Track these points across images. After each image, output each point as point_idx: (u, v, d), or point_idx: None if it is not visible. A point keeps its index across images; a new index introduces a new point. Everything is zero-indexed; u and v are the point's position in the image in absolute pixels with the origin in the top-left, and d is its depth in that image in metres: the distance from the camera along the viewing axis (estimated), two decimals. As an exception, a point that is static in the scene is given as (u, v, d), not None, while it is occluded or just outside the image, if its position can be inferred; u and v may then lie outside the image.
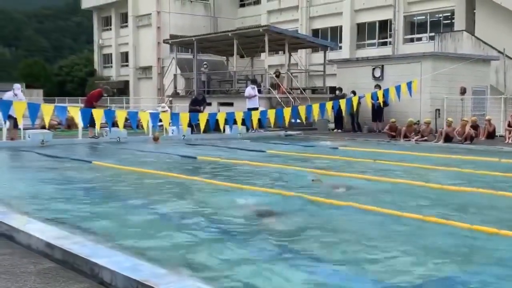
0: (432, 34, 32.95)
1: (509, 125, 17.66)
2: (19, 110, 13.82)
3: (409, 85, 17.74)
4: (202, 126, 17.13)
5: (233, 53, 28.20)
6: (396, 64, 22.10)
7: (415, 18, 35.64)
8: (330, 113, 19.63)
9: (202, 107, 21.09)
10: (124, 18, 50.43)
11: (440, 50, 28.91)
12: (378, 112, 21.30)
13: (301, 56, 37.83)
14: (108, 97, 26.51)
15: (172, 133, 18.41)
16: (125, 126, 15.93)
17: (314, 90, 29.26)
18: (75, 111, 14.83)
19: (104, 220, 6.08)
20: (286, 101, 24.90)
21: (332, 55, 33.05)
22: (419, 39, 35.12)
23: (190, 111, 19.55)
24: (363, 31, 38.07)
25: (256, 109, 19.62)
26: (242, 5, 47.59)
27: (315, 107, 17.25)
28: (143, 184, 8.90)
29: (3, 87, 25.62)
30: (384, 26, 36.81)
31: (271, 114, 16.85)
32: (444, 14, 34.31)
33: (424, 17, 35.10)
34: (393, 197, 7.69)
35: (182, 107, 25.54)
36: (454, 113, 20.05)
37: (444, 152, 13.99)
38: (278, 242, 5.22)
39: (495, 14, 29.48)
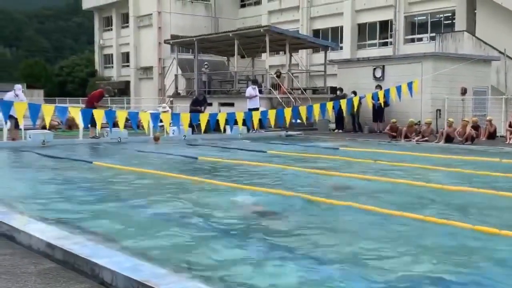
0: (433, 34, 32.95)
1: (510, 126, 17.65)
2: (20, 110, 13.82)
3: (410, 85, 17.74)
4: (203, 127, 17.13)
5: (234, 53, 28.20)
6: (397, 65, 22.09)
7: (415, 18, 35.63)
8: (330, 114, 19.63)
9: (203, 108, 21.10)
10: (125, 18, 50.46)
11: (441, 50, 28.91)
12: (379, 112, 21.30)
13: (302, 56, 37.84)
14: (109, 98, 26.53)
15: (173, 133, 18.42)
16: (125, 127, 15.94)
17: (315, 91, 29.25)
18: (75, 112, 14.84)
19: (105, 220, 6.09)
20: (286, 101, 24.90)
21: (332, 55, 33.08)
22: (420, 39, 35.11)
23: (191, 111, 19.56)
24: (364, 32, 38.07)
25: (257, 109, 19.62)
26: (243, 6, 47.61)
27: (316, 108, 17.25)
28: (143, 185, 8.90)
29: (4, 88, 25.64)
30: (385, 26, 36.82)
31: (272, 114, 16.85)
32: (445, 15, 34.31)
33: (424, 17, 35.10)
34: (394, 197, 7.69)
35: (183, 108, 25.55)
36: (455, 113, 20.05)
37: (445, 153, 13.99)
38: (278, 242, 5.22)
39: (496, 15, 29.47)
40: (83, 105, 21.35)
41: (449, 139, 17.13)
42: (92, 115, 14.40)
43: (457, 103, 20.71)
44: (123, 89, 48.03)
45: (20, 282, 4.00)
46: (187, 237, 5.44)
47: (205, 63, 29.90)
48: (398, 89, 17.80)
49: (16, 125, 15.94)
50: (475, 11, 31.47)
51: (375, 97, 18.97)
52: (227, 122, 16.65)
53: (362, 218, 6.27)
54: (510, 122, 17.75)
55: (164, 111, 20.44)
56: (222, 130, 17.26)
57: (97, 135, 17.24)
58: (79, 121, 15.35)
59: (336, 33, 39.00)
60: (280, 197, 7.62)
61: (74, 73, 59.12)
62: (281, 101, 24.79)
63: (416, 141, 17.50)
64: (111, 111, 16.28)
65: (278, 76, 27.14)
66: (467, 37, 29.38)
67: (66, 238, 4.83)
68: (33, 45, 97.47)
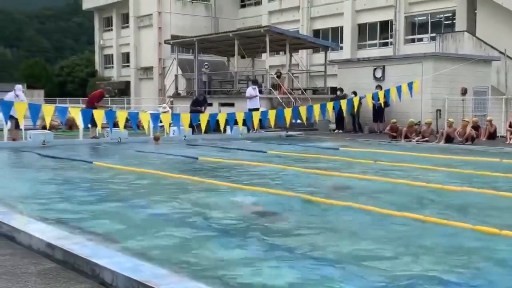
0: (433, 34, 32.95)
1: (510, 126, 17.65)
2: (20, 110, 13.83)
3: (410, 85, 17.73)
4: (203, 127, 17.15)
5: (234, 53, 28.21)
6: (397, 65, 22.09)
7: (416, 18, 35.64)
8: (331, 114, 19.63)
9: (203, 108, 21.10)
10: (125, 18, 50.47)
11: (441, 50, 28.91)
12: (379, 112, 21.30)
13: (302, 56, 37.84)
14: (109, 98, 26.53)
15: (173, 133, 18.42)
16: (126, 127, 15.95)
17: (315, 91, 29.26)
18: (76, 112, 14.84)
19: (105, 220, 6.09)
20: (287, 101, 24.90)
21: (333, 55, 33.07)
22: (420, 39, 35.12)
23: (191, 111, 19.56)
24: (364, 32, 38.08)
25: (257, 109, 19.63)
26: (243, 6, 47.62)
27: (316, 108, 17.24)
28: (143, 185, 8.90)
29: (4, 88, 25.64)
30: (385, 26, 36.82)
31: (272, 114, 16.85)
32: (445, 15, 34.31)
33: (425, 17, 35.10)
34: (394, 198, 7.69)
35: (183, 108, 25.56)
36: (455, 113, 20.05)
37: (445, 153, 13.98)
38: (278, 242, 5.22)
39: (496, 15, 29.48)
40: (83, 105, 21.35)
41: (449, 139, 17.13)
42: (92, 115, 14.41)
43: (457, 103, 20.71)
44: (123, 89, 48.04)
45: (20, 283, 4.00)
46: (187, 237, 5.45)
47: (205, 63, 29.90)
48: (398, 89, 17.79)
49: (16, 126, 15.95)
50: (476, 11, 31.47)
51: (375, 97, 18.96)
52: (227, 122, 16.66)
53: (362, 218, 6.27)
54: (510, 122, 17.75)
55: (164, 112, 20.43)
56: (222, 130, 17.26)
57: (98, 135, 17.25)
58: (79, 121, 15.35)
59: (336, 33, 39.00)
60: (280, 197, 7.62)
61: (74, 73, 59.13)
62: (281, 101, 24.79)
63: (416, 141, 17.50)
64: (111, 111, 16.29)
65: (278, 76, 27.14)
66: (467, 37, 29.38)
67: (66, 238, 4.83)
68: (33, 45, 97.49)
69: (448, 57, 22.55)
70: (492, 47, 27.85)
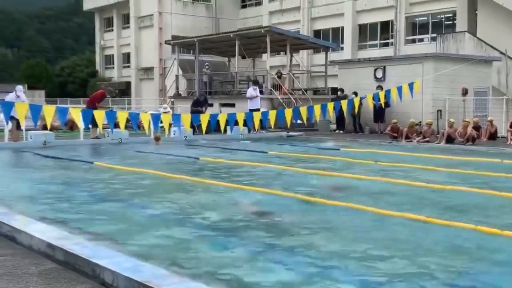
0: (434, 35, 32.95)
1: (511, 126, 17.65)
2: (21, 111, 13.84)
3: (410, 86, 17.73)
4: (204, 127, 17.16)
5: (235, 54, 28.21)
6: (398, 65, 22.09)
7: (416, 19, 35.65)
8: (331, 114, 19.62)
9: (203, 108, 21.10)
10: (126, 19, 50.51)
11: (442, 51, 28.91)
12: (379, 113, 21.30)
13: (302, 57, 37.85)
14: (110, 98, 26.54)
15: (174, 134, 18.42)
16: (126, 127, 15.96)
17: (315, 91, 29.26)
18: (76, 112, 14.85)
19: (106, 221, 6.09)
20: (287, 102, 24.91)
21: (333, 56, 33.07)
22: (421, 40, 35.13)
23: (192, 112, 19.56)
24: (365, 32, 38.10)
25: (258, 110, 19.63)
26: (244, 6, 47.64)
27: (317, 108, 17.24)
28: (144, 185, 8.91)
29: (5, 88, 25.67)
30: (386, 27, 36.83)
31: (273, 115, 16.84)
32: (445, 15, 34.31)
33: (425, 18, 35.10)
34: (394, 198, 7.68)
35: (184, 108, 25.56)
36: (456, 114, 20.04)
37: (446, 153, 13.98)
38: (278, 243, 5.22)
39: (497, 15, 29.47)
40: (84, 106, 21.36)
41: (450, 139, 17.13)
42: (93, 115, 14.41)
43: (458, 103, 20.71)
44: (124, 90, 48.07)
45: (21, 283, 4.00)
46: (187, 237, 5.44)
47: (206, 63, 29.90)
48: (399, 89, 17.79)
49: (17, 126, 15.95)
50: (476, 12, 31.47)
51: (376, 97, 18.96)
52: (227, 122, 16.67)
53: (362, 219, 6.27)
54: (511, 122, 17.74)
55: (165, 112, 20.44)
56: (223, 130, 17.25)
57: (99, 135, 17.26)
58: (80, 121, 15.35)
59: (337, 34, 39.01)
60: (280, 197, 7.62)
61: (75, 74, 59.17)
62: (282, 101, 24.79)
63: (417, 141, 17.50)
64: (112, 111, 16.30)
65: (279, 77, 27.14)
66: (468, 38, 29.38)
67: (66, 239, 4.83)
68: (33, 45, 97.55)
69: (448, 57, 22.55)
70: (492, 47, 27.85)
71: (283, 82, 27.07)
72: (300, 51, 35.42)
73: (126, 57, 51.02)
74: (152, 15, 45.57)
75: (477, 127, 17.99)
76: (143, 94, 47.14)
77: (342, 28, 38.51)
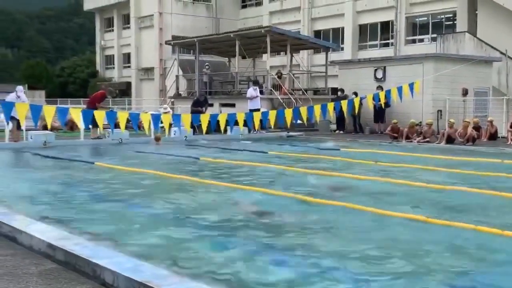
0: (434, 35, 32.95)
1: (511, 126, 17.65)
2: (21, 111, 13.84)
3: (411, 86, 17.71)
4: (204, 127, 17.17)
5: (235, 54, 28.23)
6: (398, 65, 22.09)
7: (417, 19, 35.65)
8: (332, 114, 19.62)
9: (204, 108, 21.11)
10: (126, 19, 50.52)
11: (442, 51, 28.92)
12: (380, 113, 21.30)
13: (303, 57, 37.86)
14: (111, 99, 26.55)
15: (174, 134, 18.42)
16: (127, 128, 15.96)
17: (316, 91, 29.27)
18: (76, 113, 14.85)
19: (106, 221, 6.09)
20: (288, 102, 24.92)
21: (334, 56, 33.10)
22: (421, 40, 35.14)
23: (192, 112, 19.56)
24: (365, 32, 38.10)
25: (258, 110, 19.63)
26: (244, 6, 47.64)
27: (317, 108, 17.24)
28: (144, 185, 8.91)
29: (5, 89, 25.68)
30: (386, 27, 36.83)
31: (273, 115, 16.84)
32: (446, 15, 34.31)
33: (426, 18, 35.10)
34: (395, 198, 7.69)
35: (184, 108, 25.56)
36: (456, 114, 20.04)
37: (446, 154, 13.97)
38: (278, 243, 5.23)
39: (497, 15, 29.47)
40: (85, 106, 21.36)
41: (450, 140, 17.13)
42: (93, 116, 14.41)
43: (458, 104, 20.71)
44: (124, 90, 48.09)
45: (21, 283, 4.01)
46: (187, 237, 5.45)
47: (206, 63, 29.91)
48: (399, 90, 17.78)
49: (18, 126, 15.96)
50: (476, 12, 31.47)
51: (376, 98, 18.96)
52: (228, 123, 16.66)
53: (362, 219, 6.27)
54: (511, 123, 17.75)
55: (166, 112, 20.44)
56: (223, 131, 17.23)
57: (100, 136, 17.27)
58: (80, 122, 15.35)
59: (337, 34, 39.01)
60: (280, 197, 7.62)
61: (75, 74, 59.16)
62: (282, 102, 24.80)
63: (417, 142, 17.50)
64: (112, 112, 16.30)
65: (279, 77, 27.15)
66: (468, 38, 29.38)
67: (67, 239, 4.83)
68: (34, 45, 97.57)
69: (449, 57, 22.56)
70: (493, 47, 27.85)
71: (283, 82, 27.08)
72: (301, 51, 35.42)
73: (127, 58, 51.03)
74: (153, 15, 45.58)
75: (477, 128, 17.99)
76: (144, 94, 47.16)
77: (343, 28, 38.52)
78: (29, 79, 56.85)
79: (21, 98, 16.09)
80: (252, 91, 21.60)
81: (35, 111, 13.72)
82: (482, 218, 6.22)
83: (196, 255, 4.83)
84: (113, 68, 53.27)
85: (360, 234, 5.66)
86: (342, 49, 36.98)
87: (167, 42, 36.13)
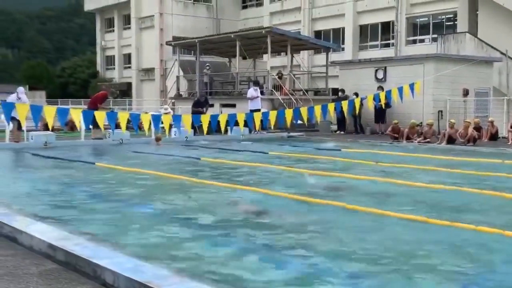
0: (435, 35, 32.95)
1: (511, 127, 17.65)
2: (22, 112, 13.84)
3: (411, 86, 17.69)
4: (204, 128, 17.17)
5: (236, 54, 28.24)
6: (399, 66, 22.09)
7: (417, 19, 35.64)
8: (332, 115, 19.62)
9: (204, 109, 21.11)
10: (126, 20, 50.54)
11: (442, 51, 28.91)
12: (380, 113, 21.30)
13: (303, 57, 37.87)
14: (112, 99, 26.57)
15: (175, 134, 18.43)
16: (127, 128, 15.96)
17: (316, 92, 29.28)
18: (77, 113, 14.84)
19: (107, 221, 6.09)
20: (288, 102, 24.93)
21: (334, 56, 33.10)
22: (422, 40, 35.13)
23: (193, 112, 19.57)
24: (366, 33, 38.10)
25: (259, 110, 19.63)
26: (245, 7, 47.66)
27: (317, 109, 17.21)
28: (145, 185, 8.91)
29: (6, 89, 25.71)
30: (387, 27, 36.83)
31: (273, 115, 16.83)
32: (446, 16, 34.32)
33: (426, 18, 35.10)
34: (395, 198, 7.69)
35: (185, 109, 25.56)
36: (457, 114, 20.03)
37: (447, 154, 13.98)
38: (278, 242, 5.23)
39: (497, 16, 29.47)
40: (85, 107, 21.37)
41: (451, 140, 17.12)
42: (94, 116, 14.40)
43: (459, 104, 20.70)
44: (124, 91, 48.10)
45: (22, 283, 4.01)
46: (188, 237, 5.45)
47: (207, 64, 29.92)
48: (400, 90, 17.75)
49: (18, 127, 15.96)
50: (477, 12, 31.47)
51: (376, 98, 18.95)
52: (228, 123, 16.65)
53: (362, 219, 6.27)
54: (512, 123, 17.77)
55: (166, 113, 20.43)
56: (223, 131, 17.22)
57: (102, 136, 17.28)
58: (81, 122, 15.34)
59: (337, 35, 39.01)
60: (280, 198, 7.61)
61: (76, 74, 59.20)
62: (282, 102, 24.80)
63: (418, 142, 17.50)
64: (113, 112, 16.30)
65: (280, 77, 27.16)
66: (469, 38, 29.38)
67: (67, 239, 4.83)
68: (34, 46, 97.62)
69: (449, 58, 22.56)
70: (493, 48, 27.85)
71: (283, 83, 27.09)
72: (301, 51, 35.46)
73: (127, 58, 51.05)
74: (153, 16, 45.60)
75: (478, 128, 17.99)
76: (144, 95, 47.16)
77: (343, 28, 38.52)
78: (30, 79, 56.92)
79: (22, 99, 16.09)
80: (252, 91, 21.60)
81: (36, 111, 13.71)
82: (482, 218, 6.21)
83: (197, 255, 4.83)
84: (114, 68, 53.29)
85: (360, 234, 5.65)
86: (343, 49, 36.97)
87: (167, 43, 36.14)
